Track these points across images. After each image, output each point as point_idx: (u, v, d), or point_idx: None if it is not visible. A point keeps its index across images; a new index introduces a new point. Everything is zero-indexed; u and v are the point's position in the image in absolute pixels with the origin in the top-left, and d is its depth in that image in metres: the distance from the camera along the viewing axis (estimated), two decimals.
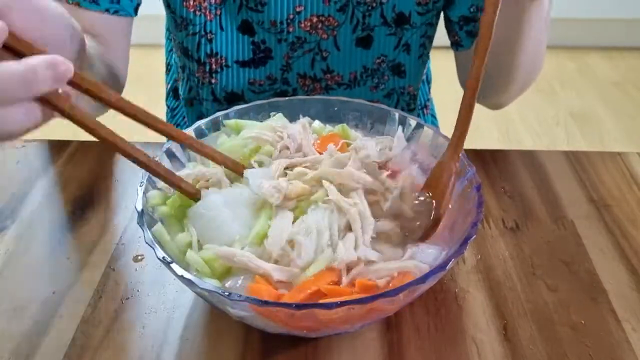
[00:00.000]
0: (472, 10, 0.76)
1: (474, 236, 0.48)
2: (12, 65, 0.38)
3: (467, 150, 0.57)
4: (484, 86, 0.61)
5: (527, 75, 0.77)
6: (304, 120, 0.62)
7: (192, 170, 0.57)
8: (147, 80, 1.83)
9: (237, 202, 0.52)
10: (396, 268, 0.48)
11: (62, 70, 0.39)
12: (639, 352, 0.51)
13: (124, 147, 0.47)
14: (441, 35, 0.84)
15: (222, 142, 0.60)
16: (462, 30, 0.78)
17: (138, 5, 0.75)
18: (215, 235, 0.51)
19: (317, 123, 0.63)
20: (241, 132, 0.60)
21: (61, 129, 0.67)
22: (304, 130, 0.59)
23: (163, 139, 0.53)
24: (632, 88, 2.43)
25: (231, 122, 0.62)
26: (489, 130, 2.14)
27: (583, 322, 0.54)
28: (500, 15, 0.53)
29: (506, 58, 0.72)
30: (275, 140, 0.58)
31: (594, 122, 2.22)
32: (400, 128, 0.62)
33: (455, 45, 0.81)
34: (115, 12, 0.71)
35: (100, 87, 0.44)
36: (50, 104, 0.41)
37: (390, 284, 0.47)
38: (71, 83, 0.42)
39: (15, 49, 0.40)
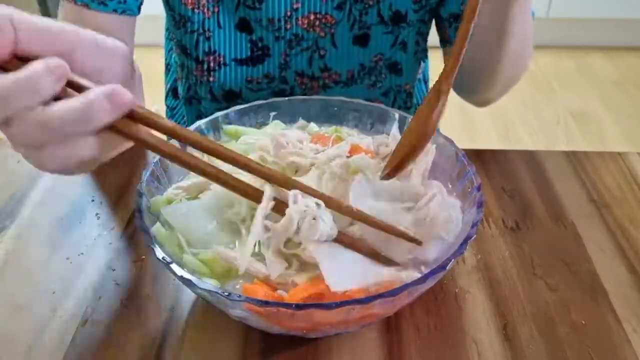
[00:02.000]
0: (462, 8, 0.76)
1: (474, 236, 0.48)
2: (71, 102, 0.38)
3: (467, 150, 0.57)
4: (469, 81, 0.58)
5: (511, 71, 0.77)
6: (300, 124, 0.63)
7: (194, 180, 0.56)
8: (147, 80, 1.83)
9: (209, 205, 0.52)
10: (388, 275, 0.48)
11: (119, 100, 0.39)
12: None
13: (196, 163, 0.46)
14: None
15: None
16: (452, 27, 0.79)
17: (141, 3, 0.75)
18: (194, 237, 0.51)
19: (312, 125, 0.64)
20: (240, 138, 0.61)
21: None
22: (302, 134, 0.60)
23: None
24: (633, 87, 2.43)
25: (231, 129, 0.63)
26: (488, 130, 2.14)
27: (583, 322, 0.54)
28: (484, 9, 0.51)
29: (491, 51, 0.72)
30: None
31: (594, 121, 2.22)
32: (396, 125, 0.61)
33: (444, 42, 0.81)
34: (123, 12, 0.72)
35: (155, 116, 0.43)
36: (118, 132, 0.41)
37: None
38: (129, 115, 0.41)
39: (72, 83, 0.40)
